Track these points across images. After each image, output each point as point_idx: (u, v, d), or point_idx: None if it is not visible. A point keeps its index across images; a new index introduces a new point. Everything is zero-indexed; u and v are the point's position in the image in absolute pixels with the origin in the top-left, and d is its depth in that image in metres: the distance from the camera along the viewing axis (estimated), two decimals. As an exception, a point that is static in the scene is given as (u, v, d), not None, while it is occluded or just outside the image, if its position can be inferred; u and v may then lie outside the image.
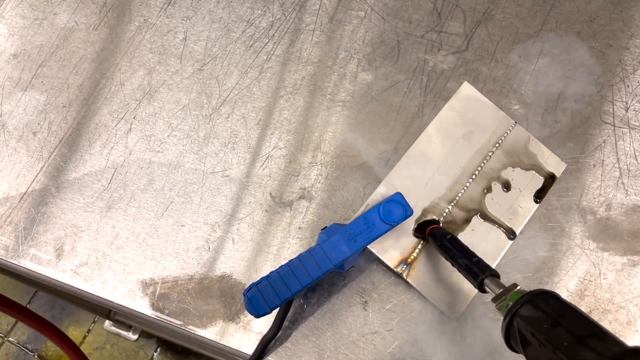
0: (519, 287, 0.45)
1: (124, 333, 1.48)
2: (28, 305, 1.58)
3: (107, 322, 1.49)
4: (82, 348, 1.47)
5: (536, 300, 0.41)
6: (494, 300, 0.46)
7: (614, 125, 0.64)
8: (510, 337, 0.42)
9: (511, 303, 0.43)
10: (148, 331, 1.41)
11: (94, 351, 1.52)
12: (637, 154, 0.62)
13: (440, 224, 0.59)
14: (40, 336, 1.53)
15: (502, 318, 0.43)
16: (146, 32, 0.72)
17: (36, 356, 1.53)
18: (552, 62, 0.67)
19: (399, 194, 0.56)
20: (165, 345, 1.51)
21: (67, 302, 1.50)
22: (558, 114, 0.65)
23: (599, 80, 0.66)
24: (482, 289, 0.48)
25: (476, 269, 0.49)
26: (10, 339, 1.55)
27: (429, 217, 0.60)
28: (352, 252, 0.54)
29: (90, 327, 1.54)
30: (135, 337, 1.47)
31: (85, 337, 1.53)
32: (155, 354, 1.50)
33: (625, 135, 0.63)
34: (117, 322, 1.44)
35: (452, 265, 0.53)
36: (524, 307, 0.41)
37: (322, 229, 0.59)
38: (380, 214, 0.55)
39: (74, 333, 1.53)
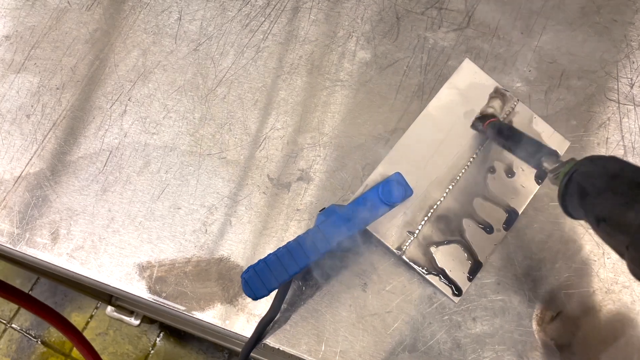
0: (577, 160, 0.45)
1: (126, 318, 1.48)
2: (30, 292, 1.58)
3: (109, 308, 1.49)
4: (84, 334, 1.47)
5: (596, 159, 0.42)
6: (552, 171, 0.46)
7: (619, 103, 0.62)
8: (567, 197, 0.42)
9: (569, 168, 0.43)
10: (150, 316, 1.41)
11: (97, 337, 1.52)
12: (642, 131, 0.61)
13: (499, 119, 0.59)
14: (43, 322, 1.54)
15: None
16: (140, 11, 0.70)
17: (39, 342, 1.53)
18: (555, 38, 0.65)
19: (398, 174, 0.55)
20: (168, 330, 1.51)
21: (69, 289, 1.50)
22: (561, 92, 0.63)
23: (603, 56, 0.64)
24: (540, 167, 0.49)
25: (533, 150, 0.49)
26: (13, 325, 1.55)
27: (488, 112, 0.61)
28: (350, 233, 0.53)
29: (93, 313, 1.54)
30: (137, 322, 1.47)
31: (87, 323, 1.53)
32: (157, 339, 1.51)
33: (630, 112, 0.62)
34: (119, 308, 1.44)
35: (511, 151, 0.54)
36: (585, 164, 0.42)
37: (320, 210, 0.58)
38: (380, 195, 0.54)
39: (76, 319, 1.54)
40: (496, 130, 0.56)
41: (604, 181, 0.39)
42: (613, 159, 0.41)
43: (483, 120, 0.59)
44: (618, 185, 0.38)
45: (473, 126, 0.61)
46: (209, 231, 0.61)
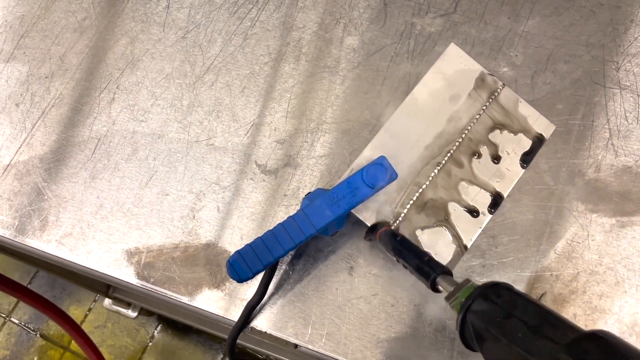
0: (471, 283, 0.43)
1: (124, 311, 1.49)
2: (29, 286, 1.59)
3: (107, 301, 1.50)
4: (83, 327, 1.48)
5: (487, 293, 0.40)
6: (447, 298, 0.44)
7: (605, 86, 0.62)
8: (466, 335, 0.41)
9: (464, 300, 0.42)
10: (147, 308, 1.42)
11: (96, 329, 1.53)
12: (628, 114, 0.61)
13: (391, 227, 0.56)
14: (42, 316, 1.55)
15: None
16: (128, 0, 0.70)
17: (38, 335, 1.54)
18: (542, 22, 0.65)
19: (382, 158, 0.55)
20: (166, 322, 1.52)
21: (68, 282, 1.51)
22: (548, 76, 0.63)
23: (589, 40, 0.64)
24: (435, 289, 0.46)
25: (427, 268, 0.47)
26: (12, 318, 1.56)
27: (381, 220, 0.57)
28: (335, 216, 0.53)
29: (91, 306, 1.55)
30: (134, 314, 1.48)
31: (86, 315, 1.54)
32: (155, 332, 1.52)
33: (615, 95, 0.62)
34: (117, 300, 1.44)
35: (404, 267, 0.51)
36: (476, 301, 0.40)
37: (306, 195, 0.58)
38: (364, 178, 0.54)
39: (75, 312, 1.54)
40: (388, 241, 0.53)
41: (497, 325, 0.37)
42: (506, 292, 0.39)
43: (375, 230, 0.56)
44: (512, 329, 0.36)
45: (366, 236, 0.58)
46: (196, 217, 0.61)
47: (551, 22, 0.65)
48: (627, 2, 0.65)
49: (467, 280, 0.44)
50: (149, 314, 1.51)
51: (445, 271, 0.47)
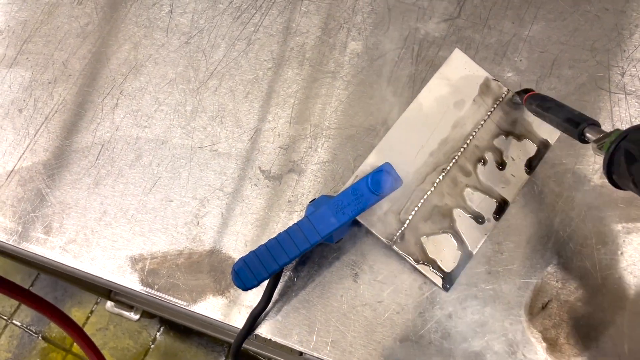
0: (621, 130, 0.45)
1: (126, 313, 1.49)
2: (31, 288, 1.59)
3: (109, 303, 1.49)
4: (85, 329, 1.48)
5: None
6: (596, 142, 0.46)
7: (610, 92, 0.62)
8: (614, 163, 0.43)
9: (614, 138, 0.43)
10: (149, 311, 1.42)
11: (98, 332, 1.53)
12: (634, 119, 0.61)
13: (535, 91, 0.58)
14: (44, 318, 1.54)
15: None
16: (131, 5, 0.70)
17: (40, 338, 1.54)
18: (547, 27, 0.65)
19: (387, 164, 0.55)
20: (168, 325, 1.52)
21: (69, 284, 1.51)
22: (552, 81, 0.63)
23: (594, 45, 0.64)
24: (582, 138, 0.48)
25: (578, 119, 0.49)
26: (14, 321, 1.56)
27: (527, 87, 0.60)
28: (340, 223, 0.53)
29: (93, 309, 1.55)
30: (136, 317, 1.48)
31: (88, 318, 1.54)
32: (157, 334, 1.51)
33: (621, 101, 0.62)
34: (119, 303, 1.44)
35: (551, 122, 0.53)
36: (634, 132, 0.42)
37: (310, 201, 0.58)
38: (369, 185, 0.54)
39: (76, 314, 1.54)
40: (537, 103, 0.55)
41: None
42: None
43: (523, 94, 0.58)
44: None
45: (512, 100, 0.60)
46: (200, 223, 0.61)
47: (556, 27, 0.65)
48: (632, 7, 0.65)
49: (617, 129, 0.44)
50: (151, 316, 1.51)
51: (594, 123, 0.48)
